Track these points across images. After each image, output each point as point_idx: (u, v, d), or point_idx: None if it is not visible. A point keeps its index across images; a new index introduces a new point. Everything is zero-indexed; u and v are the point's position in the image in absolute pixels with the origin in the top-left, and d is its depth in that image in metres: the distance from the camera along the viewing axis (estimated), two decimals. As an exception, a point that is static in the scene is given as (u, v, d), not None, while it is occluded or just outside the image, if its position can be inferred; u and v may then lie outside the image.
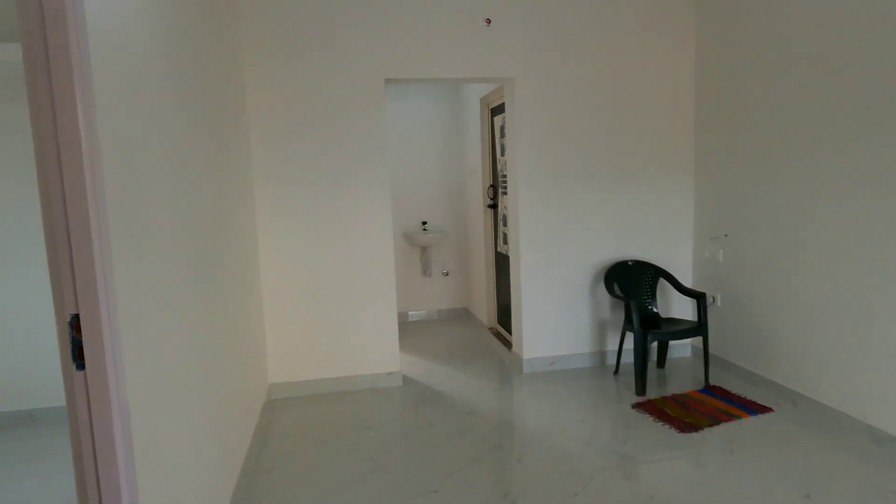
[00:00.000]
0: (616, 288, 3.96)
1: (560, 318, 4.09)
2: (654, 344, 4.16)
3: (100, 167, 1.27)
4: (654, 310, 4.03)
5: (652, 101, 4.06)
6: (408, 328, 5.44)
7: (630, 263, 4.07)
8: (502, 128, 4.60)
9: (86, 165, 1.23)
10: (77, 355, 1.27)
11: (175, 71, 1.94)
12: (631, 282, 4.03)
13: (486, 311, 5.31)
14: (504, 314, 4.89)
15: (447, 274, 5.83)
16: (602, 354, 4.19)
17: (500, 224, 4.86)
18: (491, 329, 5.23)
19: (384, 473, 2.72)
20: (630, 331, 3.74)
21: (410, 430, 3.21)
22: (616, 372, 4.00)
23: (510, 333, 4.63)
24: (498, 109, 4.74)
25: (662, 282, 4.17)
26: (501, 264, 4.91)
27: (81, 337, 1.27)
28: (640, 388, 3.56)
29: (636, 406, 3.40)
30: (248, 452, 2.78)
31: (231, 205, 2.82)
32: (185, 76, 2.06)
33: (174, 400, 1.73)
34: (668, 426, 3.12)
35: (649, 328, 3.65)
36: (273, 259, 3.70)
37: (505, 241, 4.73)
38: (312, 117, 3.65)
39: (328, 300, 3.79)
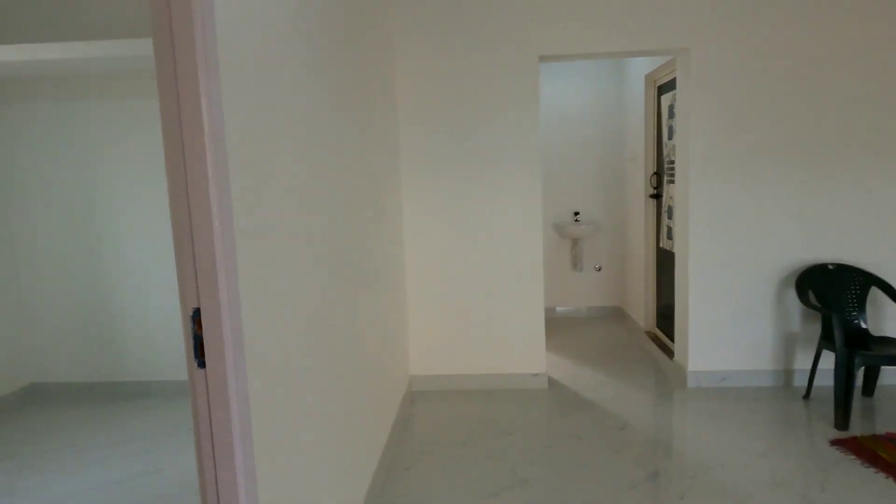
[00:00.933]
0: (812, 296, 3.30)
1: (735, 328, 3.52)
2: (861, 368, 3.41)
3: (224, 158, 1.17)
4: (863, 326, 3.29)
5: (865, 74, 3.29)
6: (555, 325, 5.12)
7: (831, 267, 3.36)
8: (671, 107, 4.06)
9: (208, 155, 1.13)
10: (198, 352, 1.19)
11: (317, 56, 1.84)
12: (832, 290, 3.33)
13: (643, 311, 4.81)
14: (665, 317, 4.37)
15: (600, 269, 5.39)
16: (788, 374, 3.54)
17: (664, 216, 4.33)
18: (648, 333, 4.72)
19: (524, 490, 2.48)
20: (828, 349, 3.08)
21: (555, 441, 2.92)
22: (807, 396, 3.34)
23: (672, 340, 4.12)
24: (666, 87, 4.20)
25: (875, 292, 3.40)
26: (664, 261, 4.39)
27: (202, 332, 1.18)
28: (843, 420, 2.91)
29: (837, 443, 2.78)
30: (385, 446, 2.70)
31: (376, 193, 2.74)
32: (327, 62, 1.96)
33: (306, 396, 1.64)
34: (882, 474, 2.49)
35: (857, 348, 2.97)
36: (417, 248, 3.61)
37: (669, 236, 4.20)
38: (459, 100, 3.47)
39: (472, 293, 3.62)
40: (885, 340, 3.13)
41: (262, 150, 1.38)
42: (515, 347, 3.65)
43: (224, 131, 1.18)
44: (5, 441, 3.16)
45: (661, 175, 4.40)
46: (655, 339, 4.51)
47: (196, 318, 1.17)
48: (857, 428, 2.93)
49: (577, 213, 5.32)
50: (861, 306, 3.31)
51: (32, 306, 3.74)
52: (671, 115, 4.06)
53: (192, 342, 1.18)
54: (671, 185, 4.06)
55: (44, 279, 3.71)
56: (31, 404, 3.68)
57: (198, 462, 1.25)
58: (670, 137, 4.11)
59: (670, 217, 4.15)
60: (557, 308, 5.43)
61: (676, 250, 3.75)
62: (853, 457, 2.64)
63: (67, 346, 3.75)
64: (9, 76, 3.37)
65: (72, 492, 2.62)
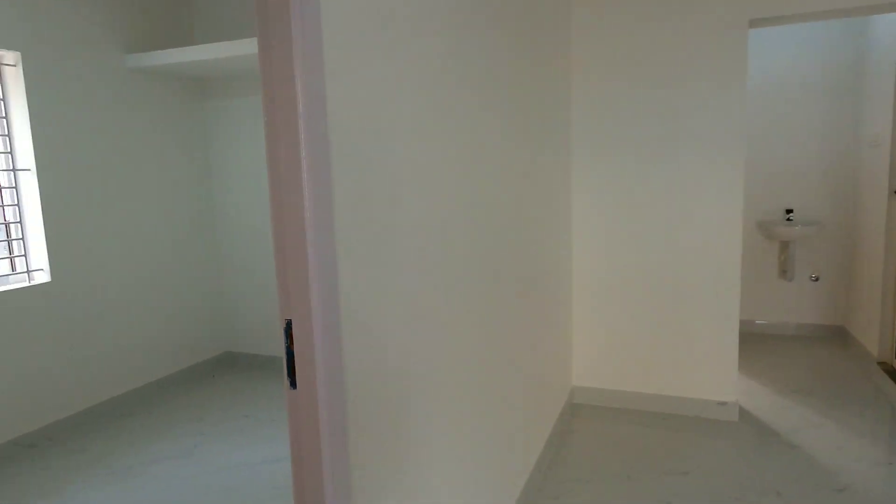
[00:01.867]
0: None
1: None
2: None
3: (325, 154, 1.00)
4: None
5: None
6: (752, 343, 4.35)
7: None
8: (937, 76, 3.11)
9: (303, 153, 0.96)
10: (290, 370, 1.04)
11: (460, 21, 1.61)
12: None
13: (876, 336, 3.84)
14: (909, 347, 3.42)
15: (817, 279, 4.45)
16: None
17: (917, 218, 3.36)
18: (883, 364, 3.75)
19: (698, 550, 2.03)
20: None
21: (744, 492, 2.39)
22: None
23: (919, 378, 3.19)
24: (931, 50, 3.22)
25: None
26: (912, 276, 3.42)
27: (294, 348, 1.03)
28: None
29: None
30: (535, 467, 2.43)
31: (540, 184, 2.45)
32: (473, 29, 1.72)
33: (436, 415, 1.44)
34: None
35: None
36: (587, 244, 3.23)
37: (923, 244, 3.24)
38: (646, 75, 3.00)
39: (649, 298, 3.15)
40: None
41: (380, 137, 1.19)
42: (699, 367, 3.10)
43: (326, 128, 1.00)
44: (196, 404, 3.51)
45: (914, 165, 3.42)
46: (892, 373, 3.56)
47: (289, 331, 1.02)
48: None
49: (789, 211, 4.44)
50: None
51: (229, 282, 4.13)
52: (936, 86, 3.10)
53: (286, 358, 1.04)
54: (931, 178, 3.12)
55: (238, 259, 4.07)
56: (223, 372, 4.07)
57: (294, 487, 1.11)
58: (933, 116, 3.14)
59: (926, 220, 3.20)
60: (757, 321, 4.61)
61: (934, 264, 2.87)
62: None
63: (256, 320, 4.08)
64: (205, 75, 3.71)
65: (245, 462, 2.79)
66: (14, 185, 3.02)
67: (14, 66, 2.94)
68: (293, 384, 1.03)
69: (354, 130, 1.09)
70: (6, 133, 2.98)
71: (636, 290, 3.17)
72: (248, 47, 3.10)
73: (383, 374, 1.23)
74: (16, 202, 3.03)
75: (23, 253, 3.06)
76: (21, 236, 3.05)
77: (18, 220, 3.04)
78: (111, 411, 3.38)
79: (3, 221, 3.02)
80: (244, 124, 3.90)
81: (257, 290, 4.04)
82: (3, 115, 2.97)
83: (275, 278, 3.95)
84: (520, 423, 2.25)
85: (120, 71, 3.42)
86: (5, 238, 3.04)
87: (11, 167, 3.00)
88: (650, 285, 3.14)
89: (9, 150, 2.99)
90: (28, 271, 3.04)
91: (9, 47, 2.88)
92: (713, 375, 3.09)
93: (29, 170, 3.01)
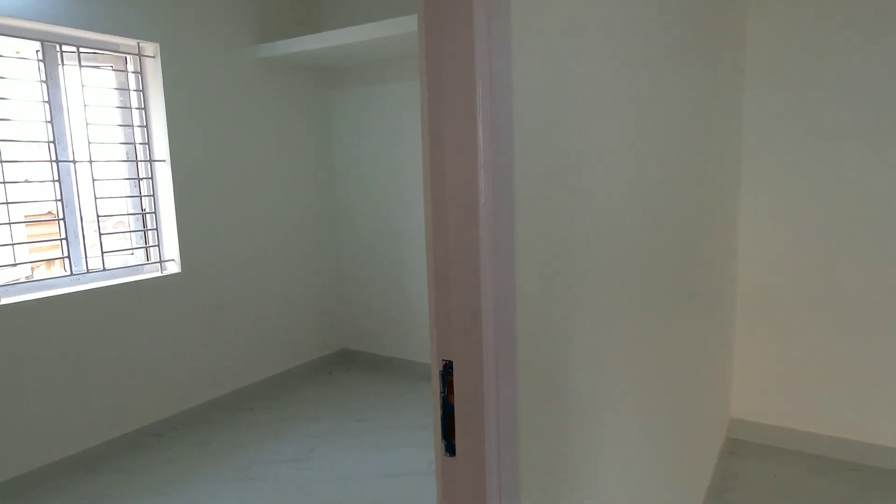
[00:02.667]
0: None
1: None
2: None
3: (508, 153, 0.70)
4: None
5: None
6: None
7: None
8: None
9: (482, 154, 0.67)
10: (447, 430, 0.75)
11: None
12: None
13: None
14: None
15: None
16: None
17: None
18: None
19: None
20: None
21: None
22: None
23: None
24: None
25: None
26: None
27: (453, 399, 0.74)
28: None
29: None
30: (695, 521, 2.01)
31: (708, 183, 2.02)
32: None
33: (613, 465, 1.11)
34: None
35: None
36: (759, 253, 2.71)
37: None
38: (846, 47, 2.43)
39: (836, 321, 2.58)
40: None
41: (566, 128, 0.87)
42: (903, 411, 2.49)
43: (511, 97, 0.71)
44: (314, 401, 3.42)
45: None
46: None
47: (447, 375, 0.74)
48: None
49: None
50: None
51: (348, 278, 4.03)
52: None
53: (440, 413, 0.75)
54: None
55: (358, 255, 3.96)
56: (340, 369, 3.98)
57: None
58: None
59: None
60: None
61: None
62: None
63: (372, 318, 3.95)
64: (330, 64, 3.59)
65: (363, 472, 2.62)
66: (150, 175, 3.05)
67: (153, 57, 2.96)
68: (450, 449, 0.75)
69: (540, 121, 0.79)
70: (144, 124, 3.02)
71: (819, 309, 2.61)
72: (377, 31, 2.92)
73: (561, 433, 0.91)
74: (151, 193, 3.07)
75: (156, 243, 3.10)
76: (155, 226, 3.09)
77: (153, 210, 3.08)
78: (234, 404, 3.37)
79: (141, 211, 3.07)
80: (366, 115, 3.75)
81: (376, 287, 3.90)
82: (142, 106, 3.01)
83: (391, 282, 3.79)
84: (680, 463, 1.85)
85: (251, 61, 3.38)
86: (142, 228, 3.09)
87: (148, 158, 3.04)
88: (838, 304, 2.57)
89: (146, 140, 3.03)
90: (160, 262, 3.08)
91: (149, 39, 2.90)
92: (923, 421, 2.46)
93: (164, 161, 3.03)
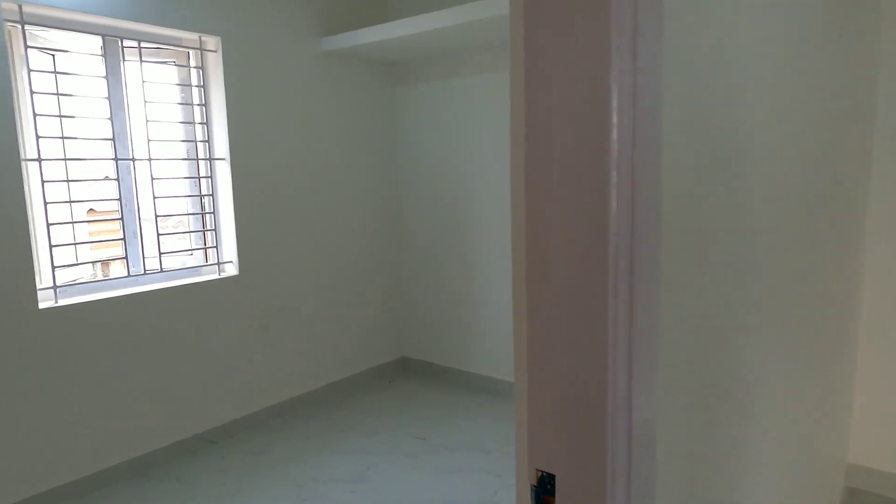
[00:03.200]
0: None
1: None
2: None
3: (654, 160, 0.44)
4: None
5: None
6: None
7: None
8: None
9: (616, 161, 0.42)
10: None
11: None
12: None
13: None
14: None
15: None
16: None
17: None
18: None
19: None
20: None
21: None
22: None
23: None
24: None
25: None
26: None
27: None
28: None
29: None
30: None
31: (837, 191, 1.66)
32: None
33: None
34: None
35: None
36: (884, 269, 2.29)
37: None
38: None
39: None
40: None
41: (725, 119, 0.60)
42: None
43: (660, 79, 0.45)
44: (372, 412, 3.24)
45: None
46: None
47: (544, 495, 0.49)
48: None
49: None
50: None
51: (409, 283, 3.84)
52: None
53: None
54: None
55: (418, 261, 3.76)
56: (398, 378, 3.79)
57: None
58: None
59: None
60: None
61: None
62: None
63: (432, 327, 3.74)
64: (395, 58, 3.39)
65: (418, 499, 2.41)
66: (210, 174, 2.96)
67: (215, 51, 2.86)
68: None
69: (697, 110, 0.52)
70: (205, 121, 2.92)
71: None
72: (450, 18, 2.69)
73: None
74: (211, 192, 2.97)
75: (215, 244, 3.00)
76: (214, 227, 3.00)
77: (213, 210, 2.99)
78: (290, 412, 3.25)
79: (201, 211, 2.98)
80: (434, 112, 3.53)
81: (437, 295, 3.69)
82: (203, 102, 2.91)
83: (451, 288, 3.56)
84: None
85: (314, 55, 3.24)
86: (201, 228, 3.00)
87: (208, 156, 2.94)
88: None
89: (206, 138, 2.93)
90: (218, 263, 2.98)
91: (211, 32, 2.79)
92: None
93: (224, 159, 2.93)
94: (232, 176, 2.91)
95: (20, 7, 2.27)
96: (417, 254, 3.75)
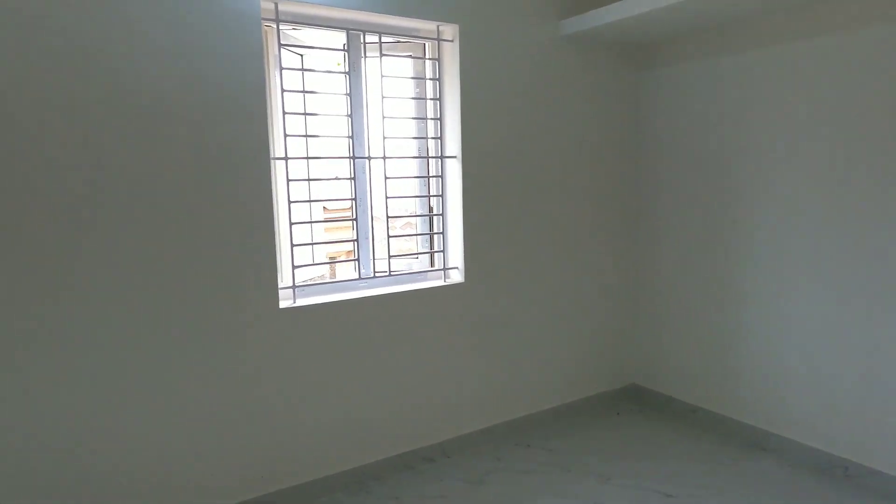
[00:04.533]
0: None
1: None
2: None
3: None
4: None
5: None
6: None
7: None
8: None
9: None
10: None
11: None
12: None
13: None
14: None
15: None
16: None
17: None
18: None
19: None
20: None
21: None
22: None
23: None
24: None
25: None
26: None
27: None
28: None
29: None
30: None
31: None
32: None
33: None
34: None
35: None
36: None
37: None
38: None
39: None
40: None
41: None
42: None
43: None
44: (599, 451, 2.80)
45: None
46: None
47: None
48: None
49: None
50: None
51: (645, 300, 3.30)
52: None
53: None
54: None
55: (661, 273, 3.20)
56: (628, 409, 3.28)
57: None
58: None
59: None
60: None
61: None
62: None
63: (672, 352, 3.16)
64: (642, 39, 2.87)
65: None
66: (440, 173, 2.77)
67: (451, 41, 2.65)
68: None
69: None
70: (438, 116, 2.73)
71: None
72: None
73: None
74: (440, 193, 2.78)
75: (441, 248, 2.81)
76: (442, 230, 2.80)
77: (441, 212, 2.79)
78: (508, 436, 2.94)
79: (428, 213, 2.81)
80: (685, 99, 2.95)
81: (684, 315, 3.09)
82: (437, 96, 2.72)
83: (717, 305, 2.91)
84: None
85: (552, 40, 2.88)
86: (428, 231, 2.83)
87: (439, 154, 2.75)
88: None
89: (438, 135, 2.74)
90: (444, 269, 2.77)
91: (449, 21, 2.58)
92: None
93: (455, 157, 2.71)
94: (462, 175, 2.68)
95: (276, 5, 2.25)
96: (664, 266, 3.19)
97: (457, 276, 2.77)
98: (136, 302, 2.04)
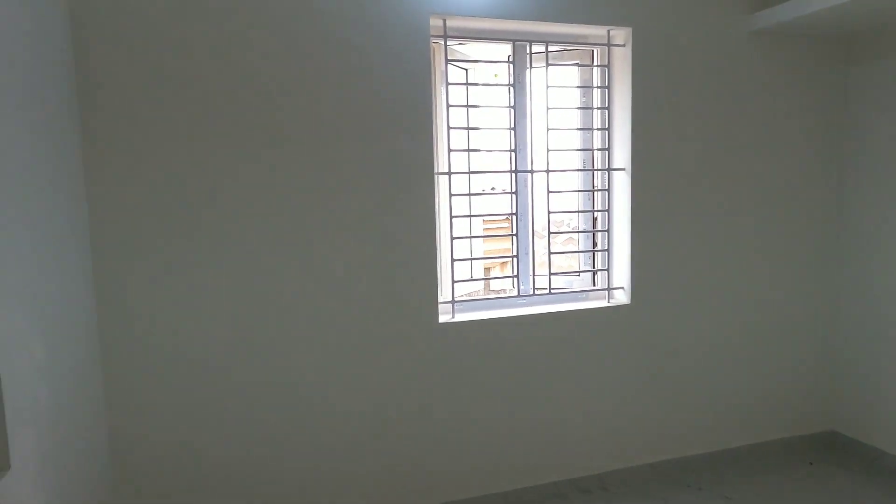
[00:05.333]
0: None
1: None
2: None
3: None
4: None
5: None
6: None
7: None
8: None
9: None
10: None
11: None
12: None
13: None
14: None
15: None
16: None
17: None
18: None
19: None
20: None
21: None
22: None
23: None
24: None
25: None
26: None
27: None
28: None
29: None
30: None
31: None
32: None
33: None
34: None
35: None
36: None
37: None
38: None
39: None
40: None
41: None
42: None
43: None
44: (788, 492, 2.42)
45: None
46: None
47: None
48: None
49: None
50: None
51: (846, 333, 2.82)
52: None
53: None
54: None
55: (863, 302, 2.71)
56: (823, 459, 2.81)
57: None
58: None
59: None
60: None
61: None
62: None
63: (887, 400, 2.65)
64: (849, 28, 2.43)
65: None
66: (607, 187, 2.60)
67: (622, 46, 2.47)
68: None
69: None
70: (606, 126, 2.57)
71: None
72: None
73: None
74: (606, 208, 2.61)
75: (605, 267, 2.63)
76: (606, 247, 2.63)
77: (606, 227, 2.62)
78: (674, 475, 2.67)
79: (592, 228, 2.65)
80: (918, 96, 2.46)
81: (874, 356, 2.59)
82: (605, 105, 2.56)
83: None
84: None
85: (738, 37, 2.57)
86: (591, 248, 2.67)
87: (606, 167, 2.58)
88: None
89: (605, 146, 2.58)
90: (608, 289, 2.59)
91: (620, 24, 2.42)
92: None
93: (623, 169, 2.52)
94: (631, 189, 2.49)
95: (444, 21, 2.26)
96: (875, 290, 2.70)
97: (622, 297, 2.58)
98: (300, 308, 2.15)
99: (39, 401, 1.45)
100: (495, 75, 3.82)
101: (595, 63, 2.57)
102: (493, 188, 3.22)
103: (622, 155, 2.52)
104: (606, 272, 2.62)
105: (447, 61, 2.34)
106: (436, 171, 2.31)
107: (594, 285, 2.66)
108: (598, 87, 2.56)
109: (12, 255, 1.34)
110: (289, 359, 2.15)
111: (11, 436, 1.26)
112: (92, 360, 1.88)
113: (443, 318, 2.35)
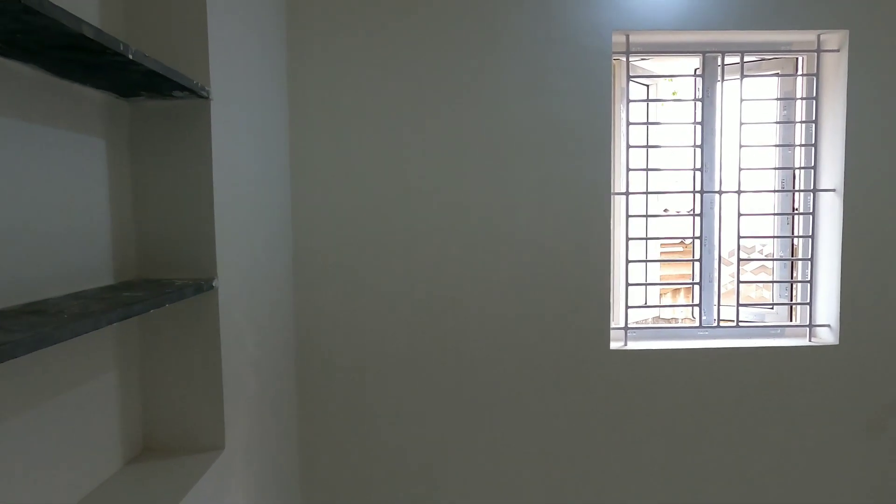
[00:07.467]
0: None
1: None
2: None
3: None
4: None
5: None
6: None
7: None
8: None
9: None
10: None
11: None
12: None
13: None
14: None
15: None
16: None
17: None
18: None
19: None
20: None
21: None
22: None
23: None
24: None
25: None
26: None
27: None
28: None
29: None
30: None
31: None
32: None
33: None
34: None
35: None
36: None
37: None
38: None
39: None
40: None
41: None
42: None
43: None
44: None
45: None
46: None
47: None
48: None
49: None
50: None
51: None
52: None
53: None
54: None
55: None
56: None
57: None
58: None
59: None
60: None
61: None
62: None
63: None
64: None
65: None
66: (812, 210, 2.30)
67: (836, 51, 2.19)
68: None
69: None
70: (812, 142, 2.28)
71: None
72: None
73: None
74: (809, 233, 2.31)
75: (807, 300, 2.32)
76: (809, 278, 2.32)
77: (809, 256, 2.31)
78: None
79: (790, 256, 2.36)
80: None
81: None
82: (811, 118, 2.28)
83: None
84: None
85: None
86: (789, 278, 2.38)
87: (811, 187, 2.29)
88: None
89: (811, 164, 2.29)
90: (810, 326, 2.28)
91: (833, 27, 2.14)
92: None
93: (833, 190, 2.22)
94: (843, 213, 2.17)
95: (627, 37, 2.19)
96: None
97: (827, 336, 2.25)
98: (471, 321, 2.18)
99: (249, 391, 1.62)
100: (674, 93, 3.61)
101: (800, 72, 2.31)
102: (665, 210, 3.02)
103: (832, 174, 2.22)
104: (809, 306, 2.30)
105: (629, 78, 2.25)
106: (612, 190, 2.22)
107: (791, 320, 2.36)
108: (802, 99, 2.29)
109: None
110: (457, 371, 2.19)
111: (227, 420, 1.42)
112: (290, 358, 2.08)
113: (615, 345, 2.23)
